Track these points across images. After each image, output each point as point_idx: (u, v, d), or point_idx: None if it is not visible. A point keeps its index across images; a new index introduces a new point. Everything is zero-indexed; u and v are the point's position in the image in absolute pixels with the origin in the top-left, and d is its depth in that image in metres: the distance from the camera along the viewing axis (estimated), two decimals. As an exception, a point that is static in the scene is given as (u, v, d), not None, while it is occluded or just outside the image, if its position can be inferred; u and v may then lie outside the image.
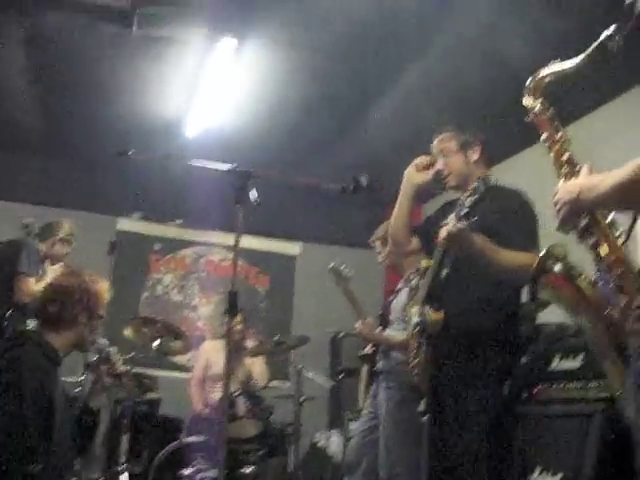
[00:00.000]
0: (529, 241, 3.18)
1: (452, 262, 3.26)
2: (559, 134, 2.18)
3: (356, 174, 3.06)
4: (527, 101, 2.28)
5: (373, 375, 4.52)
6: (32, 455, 2.60)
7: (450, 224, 3.01)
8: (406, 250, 3.91)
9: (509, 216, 3.26)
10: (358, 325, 4.49)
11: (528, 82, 2.27)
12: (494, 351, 3.19)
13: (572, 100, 4.00)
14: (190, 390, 6.04)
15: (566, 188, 1.93)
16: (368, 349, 4.63)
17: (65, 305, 2.96)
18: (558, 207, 1.92)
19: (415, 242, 3.76)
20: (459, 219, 2.98)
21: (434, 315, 3.26)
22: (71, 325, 2.97)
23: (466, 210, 2.95)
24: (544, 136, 2.21)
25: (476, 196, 2.92)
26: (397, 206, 3.60)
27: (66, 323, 2.96)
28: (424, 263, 3.49)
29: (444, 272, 3.30)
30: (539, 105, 2.24)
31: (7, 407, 2.64)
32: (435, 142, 3.49)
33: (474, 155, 3.42)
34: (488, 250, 3.10)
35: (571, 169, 2.08)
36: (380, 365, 4.43)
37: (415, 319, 3.41)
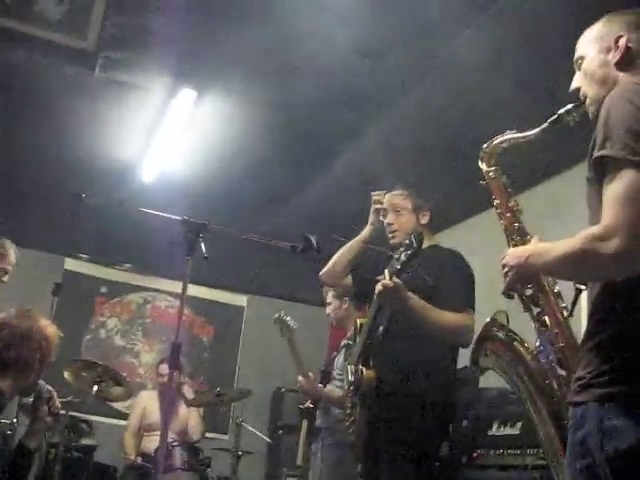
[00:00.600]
0: (465, 300, 3.25)
1: (388, 319, 3.31)
2: (511, 202, 2.23)
3: (307, 234, 3.09)
4: (482, 166, 2.33)
5: (312, 431, 4.50)
6: None
7: (385, 278, 3.06)
8: (337, 283, 3.96)
9: (446, 274, 3.32)
10: (300, 379, 4.48)
11: (484, 147, 2.33)
12: (430, 412, 3.19)
13: (524, 170, 4.12)
14: (124, 438, 5.93)
15: (515, 253, 1.96)
16: (308, 404, 4.61)
17: (22, 350, 2.82)
18: (505, 270, 1.94)
19: (347, 281, 3.83)
20: (392, 274, 3.03)
21: (367, 373, 3.30)
22: (23, 370, 2.83)
23: (399, 265, 2.99)
24: (496, 202, 2.26)
25: (410, 251, 2.96)
26: (351, 242, 3.67)
27: (18, 368, 2.82)
28: (359, 321, 3.54)
29: (380, 329, 3.34)
30: (493, 171, 2.29)
31: None
32: (388, 196, 3.59)
33: (424, 219, 3.51)
34: (420, 308, 3.14)
35: (522, 239, 2.13)
36: (320, 421, 4.42)
37: (350, 377, 3.43)
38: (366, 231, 3.71)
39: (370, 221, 3.69)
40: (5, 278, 4.77)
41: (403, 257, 2.98)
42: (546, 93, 3.66)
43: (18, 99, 5.25)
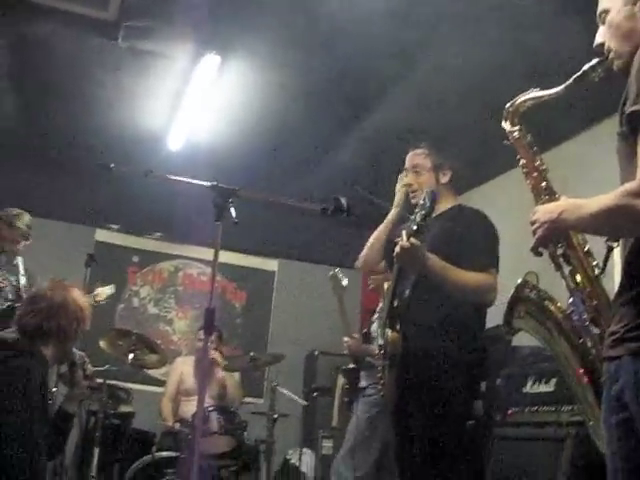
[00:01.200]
0: (487, 260, 3.23)
1: (413, 283, 3.31)
2: (537, 162, 2.20)
3: (337, 196, 3.07)
4: (506, 125, 2.30)
5: (353, 391, 4.52)
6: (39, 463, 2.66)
7: (402, 240, 3.04)
8: (375, 269, 3.96)
9: (468, 235, 3.30)
10: (346, 340, 4.46)
11: (507, 106, 2.29)
12: (459, 372, 3.19)
13: (549, 127, 4.06)
14: (162, 404, 6.01)
15: (546, 208, 1.93)
16: (351, 365, 4.62)
17: (61, 320, 2.98)
18: (535, 227, 1.92)
19: (382, 266, 3.85)
20: (409, 235, 3.01)
21: (391, 336, 3.31)
22: (63, 339, 3.00)
23: (415, 226, 2.97)
24: (522, 162, 2.23)
25: (424, 211, 2.93)
26: (379, 227, 3.66)
27: (59, 337, 2.99)
28: (386, 285, 3.54)
29: (406, 292, 3.34)
30: (517, 131, 2.26)
31: (19, 415, 2.67)
32: (409, 156, 3.55)
33: (444, 178, 3.47)
34: (439, 268, 3.13)
35: (549, 198, 2.10)
36: (364, 381, 4.44)
37: (379, 341, 3.45)
38: (392, 213, 3.70)
39: (396, 203, 3.67)
40: (19, 247, 4.82)
41: (418, 217, 2.96)
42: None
43: (44, 73, 5.28)
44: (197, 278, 7.77)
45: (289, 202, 3.23)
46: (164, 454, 4.91)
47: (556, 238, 1.99)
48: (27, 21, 4.61)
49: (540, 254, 2.01)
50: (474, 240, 3.29)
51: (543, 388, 3.80)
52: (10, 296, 4.68)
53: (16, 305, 4.62)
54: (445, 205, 3.49)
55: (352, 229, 7.40)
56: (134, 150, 5.89)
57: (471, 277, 3.16)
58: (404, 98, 5.16)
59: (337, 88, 5.10)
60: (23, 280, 4.79)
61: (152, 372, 6.78)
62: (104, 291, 4.90)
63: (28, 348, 2.92)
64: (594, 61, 1.98)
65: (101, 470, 4.79)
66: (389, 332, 3.33)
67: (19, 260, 4.85)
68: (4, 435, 2.60)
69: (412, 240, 3.01)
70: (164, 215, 6.96)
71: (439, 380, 3.19)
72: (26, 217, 4.86)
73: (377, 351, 3.52)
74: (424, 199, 2.96)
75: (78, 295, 3.15)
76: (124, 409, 5.95)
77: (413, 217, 3.01)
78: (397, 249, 3.06)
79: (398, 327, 3.30)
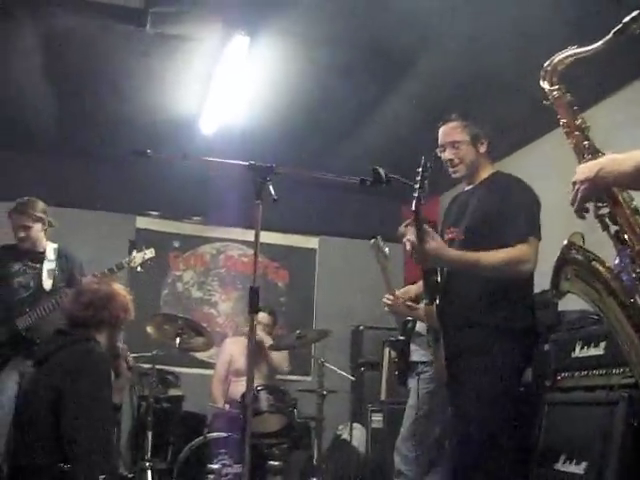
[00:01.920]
0: (525, 229, 3.21)
1: None
2: (578, 120, 2.15)
3: (375, 167, 3.06)
4: (545, 85, 2.25)
5: (405, 365, 4.50)
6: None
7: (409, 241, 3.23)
8: None
9: (505, 204, 3.29)
10: (388, 297, 4.39)
11: (545, 66, 2.25)
12: (509, 340, 3.19)
13: (589, 85, 3.98)
14: (212, 386, 6.07)
15: (584, 167, 1.89)
16: (398, 337, 4.59)
17: (112, 310, 3.22)
18: (577, 187, 1.88)
19: None
20: (417, 205, 3.16)
21: (426, 309, 3.36)
22: (114, 327, 3.24)
23: (417, 193, 3.13)
24: (562, 122, 2.19)
25: (424, 173, 3.12)
26: None
27: (111, 326, 3.22)
28: None
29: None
30: (557, 90, 2.22)
31: (101, 393, 2.87)
32: (443, 131, 3.53)
33: (482, 147, 3.47)
34: (463, 263, 3.19)
35: (593, 156, 2.06)
36: (415, 356, 4.43)
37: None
38: None
39: None
40: (37, 233, 4.82)
41: (418, 184, 3.10)
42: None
43: (74, 65, 5.30)
44: (238, 260, 7.80)
45: (327, 177, 3.21)
46: (215, 435, 4.96)
47: (598, 197, 1.96)
48: (56, 14, 4.63)
49: (584, 216, 1.97)
50: (511, 210, 3.28)
51: (592, 351, 3.76)
52: (31, 284, 4.74)
53: (37, 291, 4.72)
54: (483, 174, 3.48)
55: (390, 202, 7.39)
56: (168, 136, 5.91)
57: (499, 257, 3.16)
58: (436, 69, 5.09)
59: (368, 61, 5.05)
60: (51, 265, 4.82)
61: (199, 355, 6.84)
62: (138, 256, 4.90)
63: (88, 336, 3.08)
64: (635, 13, 1.93)
65: (155, 453, 4.86)
66: (424, 306, 3.39)
67: (49, 247, 4.89)
68: (79, 414, 2.70)
69: (435, 246, 3.13)
70: (202, 199, 7.00)
71: (486, 350, 3.19)
72: (38, 204, 4.85)
73: (421, 312, 3.53)
74: (424, 163, 3.12)
75: (120, 287, 3.38)
76: (174, 393, 6.04)
77: (414, 184, 3.11)
78: (408, 248, 3.22)
79: (437, 301, 3.31)
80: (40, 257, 4.84)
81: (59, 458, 2.69)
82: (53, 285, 4.79)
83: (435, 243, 3.13)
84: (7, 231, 4.85)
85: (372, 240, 4.49)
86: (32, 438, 2.79)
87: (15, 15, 4.61)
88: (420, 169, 3.09)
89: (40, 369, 3.06)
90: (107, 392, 2.96)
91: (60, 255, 4.89)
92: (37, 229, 4.83)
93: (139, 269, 4.91)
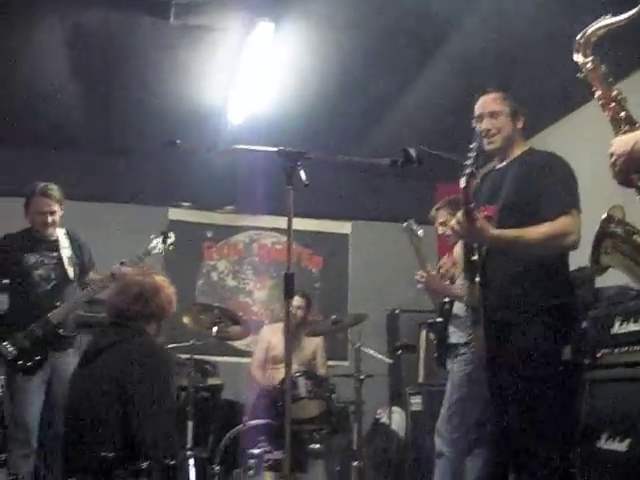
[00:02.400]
0: (564, 203, 3.16)
1: None
2: (614, 92, 2.12)
3: (405, 147, 3.04)
4: (578, 58, 2.22)
5: (443, 347, 4.48)
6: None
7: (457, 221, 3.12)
8: None
9: (543, 180, 3.25)
10: (421, 274, 4.37)
11: (578, 38, 2.21)
12: (547, 318, 3.17)
13: (622, 55, 3.90)
14: (251, 373, 6.11)
15: (621, 140, 1.87)
16: (436, 319, 4.56)
17: (159, 302, 3.26)
18: (613, 160, 1.86)
19: None
20: (468, 180, 3.02)
21: (467, 289, 3.35)
22: (160, 319, 3.29)
23: (469, 170, 2.99)
24: (597, 94, 2.15)
25: (476, 151, 3.02)
26: None
27: (158, 317, 3.27)
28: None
29: (483, 247, 3.33)
30: (591, 62, 2.18)
31: (167, 385, 2.94)
32: (482, 101, 3.48)
33: (519, 123, 3.45)
34: (511, 241, 3.15)
35: (630, 127, 2.02)
36: (454, 338, 4.41)
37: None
38: None
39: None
40: (56, 218, 4.67)
41: (471, 160, 2.99)
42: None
43: (100, 60, 5.34)
44: (272, 247, 7.82)
45: (357, 159, 3.21)
46: (255, 422, 4.98)
47: (636, 169, 1.92)
48: (80, 9, 4.66)
49: (628, 184, 1.94)
50: (550, 184, 3.23)
51: (632, 327, 3.71)
52: (53, 275, 4.62)
53: (61, 281, 4.64)
54: (517, 151, 3.45)
55: (422, 184, 7.36)
56: (197, 127, 5.92)
57: (542, 231, 3.13)
58: (465, 49, 5.03)
59: (395, 44, 5.00)
60: (69, 252, 4.72)
61: (236, 344, 6.87)
62: (160, 241, 4.81)
63: (142, 329, 3.11)
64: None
65: (196, 442, 4.89)
66: (466, 285, 3.37)
67: (60, 234, 4.75)
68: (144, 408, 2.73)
69: (479, 224, 3.06)
70: (234, 188, 7.02)
71: (525, 328, 3.17)
72: (56, 187, 4.68)
73: (457, 290, 3.52)
74: (475, 142, 3.03)
75: (163, 279, 3.40)
76: (212, 382, 6.08)
77: (466, 161, 3.00)
78: (456, 227, 3.12)
79: (477, 279, 3.29)
80: (55, 245, 4.70)
81: (126, 450, 2.70)
82: (74, 273, 4.71)
83: (481, 221, 3.09)
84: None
85: (405, 223, 4.47)
86: (95, 432, 2.79)
87: (41, 11, 4.64)
88: (473, 145, 3.03)
89: (95, 362, 3.05)
90: (172, 383, 3.00)
91: (72, 240, 4.79)
92: (59, 215, 4.69)
93: (163, 254, 4.86)
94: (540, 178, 3.25)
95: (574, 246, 3.13)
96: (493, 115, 3.42)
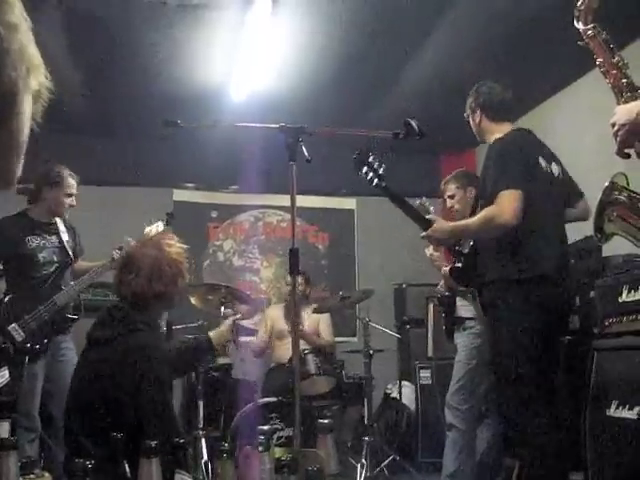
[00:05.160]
0: (497, 185, 3.39)
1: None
2: (615, 58, 2.09)
3: (407, 119, 3.04)
4: (579, 25, 2.19)
5: (452, 320, 4.50)
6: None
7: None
8: None
9: (485, 167, 3.57)
10: (430, 251, 4.42)
11: (578, 4, 2.18)
12: (517, 290, 3.40)
13: (625, 22, 3.87)
14: (255, 350, 6.16)
15: (624, 109, 1.85)
16: (442, 287, 4.56)
17: (165, 278, 2.98)
18: (616, 129, 1.84)
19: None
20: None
21: (443, 276, 4.13)
22: (169, 297, 3.03)
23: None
24: (599, 61, 2.13)
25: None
26: None
27: (166, 295, 3.01)
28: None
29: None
30: (591, 29, 2.15)
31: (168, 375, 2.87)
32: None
33: (477, 118, 3.83)
34: (461, 232, 3.66)
35: (632, 94, 2.00)
36: (462, 311, 4.43)
37: None
38: None
39: None
40: (63, 208, 4.75)
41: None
42: None
43: (99, 44, 5.30)
44: (277, 225, 7.82)
45: (359, 133, 3.20)
46: (265, 400, 5.01)
47: (638, 137, 1.91)
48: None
49: (627, 156, 1.93)
50: (485, 171, 3.54)
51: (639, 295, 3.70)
52: (55, 258, 4.67)
53: (63, 264, 4.71)
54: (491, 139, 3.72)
55: (426, 157, 7.33)
56: (199, 107, 5.89)
57: (477, 219, 3.45)
58: (465, 19, 4.99)
59: (394, 16, 4.96)
60: (66, 237, 4.78)
61: (245, 322, 6.88)
62: (152, 230, 4.83)
63: (149, 316, 3.00)
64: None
65: (207, 421, 4.92)
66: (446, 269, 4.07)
67: (57, 220, 4.80)
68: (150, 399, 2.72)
69: (433, 230, 3.57)
70: (237, 168, 6.99)
71: (497, 303, 3.46)
72: (70, 177, 4.77)
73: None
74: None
75: (168, 245, 3.10)
76: (222, 361, 6.09)
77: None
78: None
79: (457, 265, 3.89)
80: (54, 229, 4.76)
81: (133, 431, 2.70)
82: (74, 257, 4.81)
83: (433, 227, 3.57)
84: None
85: (417, 202, 4.48)
86: (103, 414, 2.78)
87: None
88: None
89: (104, 348, 2.98)
90: (169, 372, 2.95)
91: (66, 224, 4.86)
92: (68, 205, 4.80)
93: None
94: (484, 168, 3.57)
95: (509, 225, 3.31)
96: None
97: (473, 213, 3.79)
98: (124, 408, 2.67)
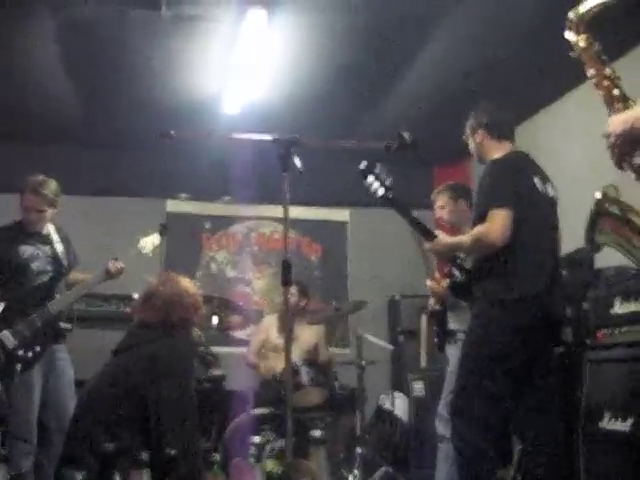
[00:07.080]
0: (486, 204, 3.44)
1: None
2: (607, 70, 2.10)
3: (400, 131, 3.04)
4: (570, 36, 2.20)
5: (443, 333, 4.51)
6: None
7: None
8: None
9: (479, 187, 3.59)
10: (429, 282, 4.47)
11: (570, 15, 2.18)
12: (499, 309, 3.41)
13: (616, 35, 3.89)
14: (250, 360, 6.12)
15: (618, 119, 1.85)
16: (436, 307, 4.58)
17: (181, 311, 3.33)
18: (612, 140, 1.84)
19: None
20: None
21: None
22: (187, 326, 3.42)
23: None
24: (590, 72, 2.13)
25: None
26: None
27: (184, 326, 3.35)
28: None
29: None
30: (583, 40, 2.16)
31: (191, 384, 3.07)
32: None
33: (478, 138, 3.80)
34: (456, 248, 3.65)
35: (624, 105, 2.01)
36: (454, 324, 4.44)
37: None
38: None
39: None
40: (46, 215, 4.64)
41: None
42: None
43: (93, 55, 5.30)
44: (270, 237, 7.81)
45: (351, 144, 3.22)
46: (258, 411, 4.99)
47: (634, 147, 1.91)
48: (70, 5, 4.63)
49: (623, 168, 1.93)
50: (481, 189, 3.56)
51: (632, 307, 3.71)
52: (49, 267, 4.63)
53: (57, 274, 4.64)
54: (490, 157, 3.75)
55: (418, 169, 7.34)
56: (193, 118, 5.91)
57: (468, 237, 3.50)
58: (458, 31, 5.01)
59: (389, 27, 4.97)
60: (60, 247, 4.73)
61: (238, 334, 6.88)
62: (148, 241, 4.78)
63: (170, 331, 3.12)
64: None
65: (201, 433, 4.90)
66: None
67: (51, 229, 4.75)
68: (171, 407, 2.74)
69: (432, 244, 3.62)
70: (231, 179, 6.99)
71: (478, 321, 3.50)
72: (52, 184, 4.65)
73: None
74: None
75: (187, 283, 3.51)
76: (214, 373, 6.07)
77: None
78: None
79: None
80: (47, 239, 4.72)
81: (133, 441, 2.70)
82: (68, 267, 4.75)
83: (435, 241, 3.61)
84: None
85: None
86: (116, 422, 2.79)
87: (32, 4, 4.62)
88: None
89: (122, 357, 3.08)
90: (193, 381, 3.04)
91: (60, 235, 4.81)
92: (50, 213, 4.68)
93: (150, 255, 4.85)
94: (479, 186, 3.59)
95: (498, 244, 3.34)
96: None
97: None
98: (143, 406, 2.71)
